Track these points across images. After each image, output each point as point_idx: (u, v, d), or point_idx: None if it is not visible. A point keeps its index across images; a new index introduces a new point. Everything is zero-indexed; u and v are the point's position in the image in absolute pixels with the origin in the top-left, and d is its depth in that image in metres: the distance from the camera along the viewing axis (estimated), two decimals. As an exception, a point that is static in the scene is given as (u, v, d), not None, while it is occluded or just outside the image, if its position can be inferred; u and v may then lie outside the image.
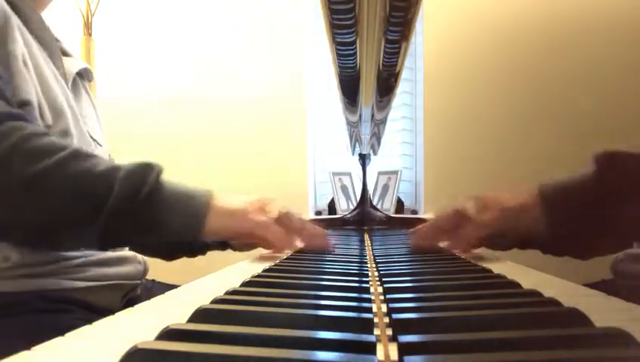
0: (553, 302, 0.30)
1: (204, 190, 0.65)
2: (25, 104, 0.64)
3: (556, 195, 0.62)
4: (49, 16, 0.84)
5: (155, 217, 0.61)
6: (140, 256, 0.83)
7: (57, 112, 0.69)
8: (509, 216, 0.64)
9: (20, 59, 0.65)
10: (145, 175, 0.61)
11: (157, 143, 1.76)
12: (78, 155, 0.60)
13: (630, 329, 0.22)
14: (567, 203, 0.61)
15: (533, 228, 0.63)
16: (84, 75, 0.86)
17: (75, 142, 0.72)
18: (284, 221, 0.69)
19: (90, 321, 0.29)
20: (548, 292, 0.33)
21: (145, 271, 0.85)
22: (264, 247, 0.74)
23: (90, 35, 1.65)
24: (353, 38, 0.51)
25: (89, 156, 0.61)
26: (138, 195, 0.59)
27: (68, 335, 0.27)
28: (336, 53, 0.56)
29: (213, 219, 0.63)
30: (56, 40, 0.82)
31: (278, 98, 1.74)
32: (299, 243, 0.73)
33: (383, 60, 0.58)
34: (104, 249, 0.69)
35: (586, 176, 0.62)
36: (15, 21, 0.68)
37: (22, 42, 0.67)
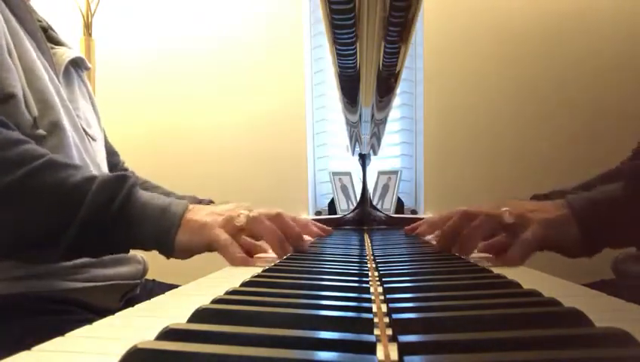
0: (553, 302, 0.30)
1: (179, 203, 0.64)
2: (9, 97, 0.63)
3: (588, 209, 0.62)
4: (49, 15, 0.84)
5: (124, 231, 0.60)
6: (139, 256, 0.83)
7: (45, 104, 0.67)
8: (549, 232, 0.64)
9: (5, 50, 0.64)
10: (118, 187, 0.60)
11: (157, 143, 1.76)
12: (53, 165, 0.58)
13: (630, 329, 0.22)
14: (600, 216, 0.62)
15: (568, 241, 0.63)
16: (80, 64, 0.85)
17: (69, 134, 0.70)
18: (251, 227, 0.65)
19: (89, 321, 0.29)
20: (548, 293, 0.33)
21: (144, 271, 0.84)
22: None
23: (90, 35, 1.65)
24: (353, 38, 0.51)
25: (64, 166, 0.60)
26: (110, 207, 0.58)
27: (68, 335, 0.27)
28: (336, 54, 0.56)
29: (182, 234, 0.62)
30: (49, 29, 0.81)
31: (278, 98, 1.74)
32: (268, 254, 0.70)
33: (383, 60, 0.58)
34: (67, 260, 0.66)
35: (615, 188, 0.63)
36: (0, 8, 0.66)
37: (6, 30, 0.66)
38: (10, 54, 0.65)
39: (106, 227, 0.58)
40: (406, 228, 0.98)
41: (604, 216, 0.62)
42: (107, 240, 0.60)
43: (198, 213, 0.64)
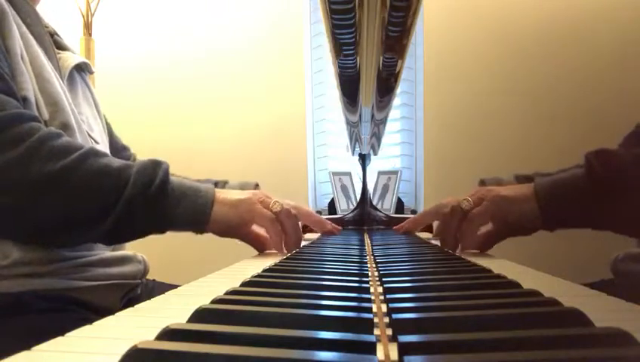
0: (553, 302, 0.30)
1: (208, 185, 0.70)
2: (22, 100, 0.65)
3: (551, 189, 0.66)
4: (49, 15, 0.84)
5: (165, 208, 0.65)
6: (140, 256, 0.83)
7: (56, 106, 0.70)
8: (503, 204, 0.68)
9: (18, 54, 0.66)
10: (155, 170, 0.65)
11: (157, 143, 1.75)
12: (95, 153, 0.64)
13: (630, 329, 0.22)
14: (561, 197, 0.65)
15: (527, 218, 0.67)
16: (84, 69, 0.86)
17: (77, 135, 0.72)
18: (282, 218, 0.72)
19: (90, 321, 0.29)
20: (548, 293, 0.33)
21: (145, 271, 0.85)
22: (254, 244, 0.78)
23: (90, 35, 1.65)
24: (353, 39, 0.51)
25: (103, 153, 0.65)
26: (151, 187, 0.63)
27: (68, 335, 0.27)
28: (337, 53, 0.56)
29: (218, 209, 0.68)
30: (55, 34, 0.82)
31: (278, 98, 1.74)
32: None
33: (383, 60, 0.58)
34: (112, 243, 0.71)
35: (578, 172, 0.66)
36: (11, 14, 0.68)
37: (18, 36, 0.67)
38: (22, 59, 0.67)
39: (148, 206, 0.63)
40: (394, 227, 1.00)
41: (564, 193, 0.65)
42: (149, 219, 0.64)
43: (229, 193, 0.70)
